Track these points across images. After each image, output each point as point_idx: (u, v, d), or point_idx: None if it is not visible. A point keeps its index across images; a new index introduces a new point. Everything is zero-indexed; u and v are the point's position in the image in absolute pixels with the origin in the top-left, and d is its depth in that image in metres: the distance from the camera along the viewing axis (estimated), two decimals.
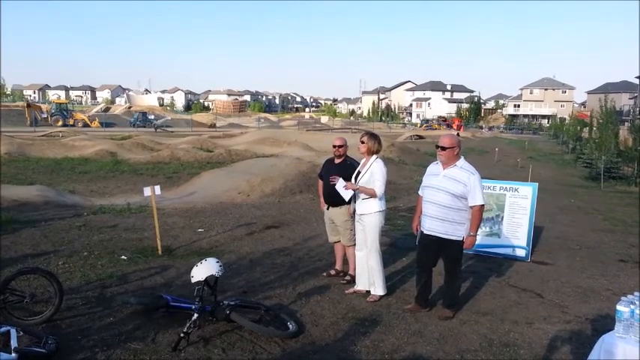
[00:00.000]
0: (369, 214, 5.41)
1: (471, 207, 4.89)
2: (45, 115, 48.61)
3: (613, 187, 22.02)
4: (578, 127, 46.95)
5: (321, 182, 6.25)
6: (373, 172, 5.38)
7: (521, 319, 5.11)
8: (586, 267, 7.27)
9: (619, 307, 2.98)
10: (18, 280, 4.85)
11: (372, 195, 5.34)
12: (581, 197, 16.76)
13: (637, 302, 2.97)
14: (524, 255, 7.50)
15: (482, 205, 4.91)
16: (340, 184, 5.49)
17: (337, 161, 6.02)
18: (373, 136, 5.61)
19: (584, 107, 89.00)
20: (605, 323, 4.82)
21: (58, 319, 4.59)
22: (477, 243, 7.51)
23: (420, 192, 5.32)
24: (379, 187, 5.34)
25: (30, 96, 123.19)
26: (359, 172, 5.48)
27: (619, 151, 26.76)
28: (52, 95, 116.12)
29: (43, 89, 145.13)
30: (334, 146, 6.04)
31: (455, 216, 4.92)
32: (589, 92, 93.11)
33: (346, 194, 5.50)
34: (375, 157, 5.49)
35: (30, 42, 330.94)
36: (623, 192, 20.18)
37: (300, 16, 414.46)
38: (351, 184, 5.41)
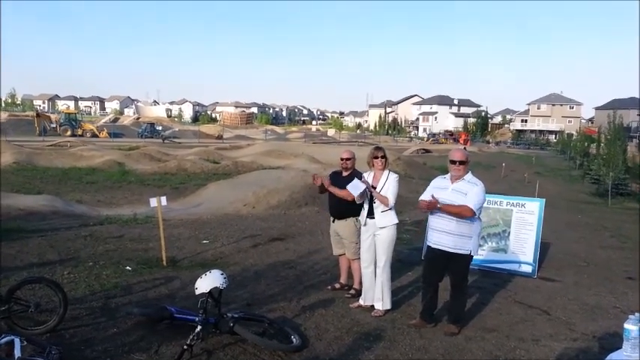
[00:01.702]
0: (388, 226, 5.39)
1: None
2: (54, 125, 49.08)
3: (621, 203, 21.86)
4: (586, 143, 46.71)
5: (332, 189, 5.92)
6: (390, 186, 5.36)
7: (527, 336, 5.06)
8: (593, 284, 7.20)
9: (627, 326, 2.93)
10: (23, 289, 4.86)
11: (385, 203, 5.32)
12: (588, 213, 16.65)
13: None
14: (530, 271, 7.44)
15: (472, 210, 4.79)
16: (356, 181, 5.39)
17: (345, 174, 6.00)
18: (385, 151, 5.62)
19: (592, 123, 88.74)
20: (612, 341, 4.75)
21: (62, 329, 4.59)
22: (483, 258, 7.55)
23: (422, 198, 5.12)
24: (392, 197, 5.34)
25: (40, 106, 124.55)
26: (373, 187, 5.44)
27: (627, 168, 26.59)
28: (62, 105, 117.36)
29: (53, 99, 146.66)
30: (342, 159, 6.03)
31: (463, 229, 4.89)
32: (597, 108, 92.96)
33: (357, 189, 5.35)
34: (388, 171, 5.48)
35: (40, 53, 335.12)
36: (631, 209, 20.00)
37: (307, 29, 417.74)
38: (366, 183, 5.34)
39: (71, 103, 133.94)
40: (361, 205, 5.54)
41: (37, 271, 6.39)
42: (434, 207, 4.84)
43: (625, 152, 27.74)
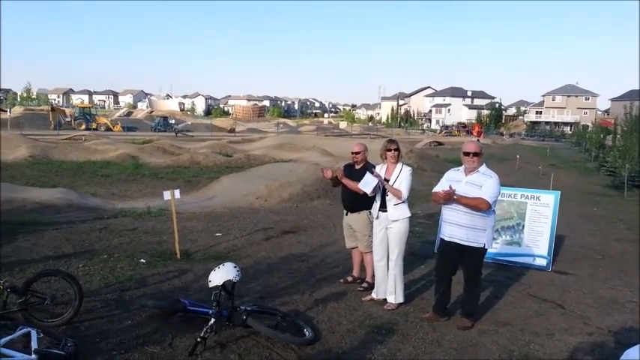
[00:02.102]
0: (401, 220, 5.36)
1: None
2: (68, 119, 49.50)
3: (637, 196, 21.54)
4: (602, 135, 46.09)
5: (346, 181, 5.90)
6: (403, 179, 5.33)
7: (541, 330, 5.02)
8: (609, 277, 7.11)
9: None
10: (39, 282, 4.91)
11: (398, 197, 5.29)
12: (604, 206, 16.43)
13: None
14: (545, 264, 7.37)
15: (488, 202, 4.74)
16: (367, 176, 5.34)
17: (357, 167, 5.98)
18: (398, 144, 5.58)
19: (608, 114, 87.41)
20: (629, 336, 4.71)
21: (78, 321, 4.64)
22: (497, 251, 7.49)
23: (435, 189, 5.08)
24: (405, 190, 5.30)
25: (54, 100, 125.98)
26: (386, 180, 5.40)
27: None
28: (76, 99, 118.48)
29: (67, 93, 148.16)
30: (352, 153, 6.01)
31: (477, 222, 4.84)
32: (613, 99, 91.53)
33: (369, 184, 5.31)
34: (401, 164, 5.45)
35: (55, 48, 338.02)
36: None
37: (319, 22, 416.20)
38: (378, 176, 5.29)
39: (85, 97, 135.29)
40: (374, 198, 5.51)
41: (53, 263, 6.47)
42: (450, 198, 4.79)
43: None
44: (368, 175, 5.37)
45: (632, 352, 2.92)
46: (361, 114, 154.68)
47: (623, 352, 3.00)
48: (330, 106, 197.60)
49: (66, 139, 33.90)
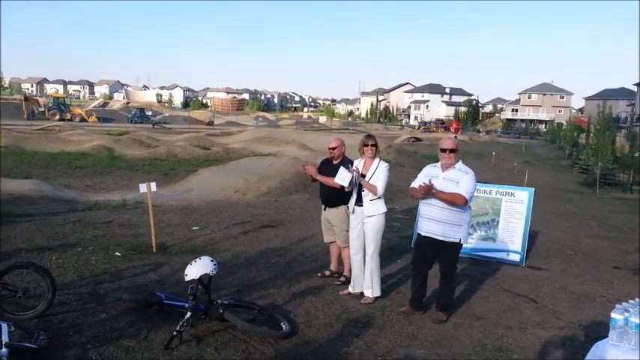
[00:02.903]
0: (377, 215, 5.39)
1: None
2: (42, 109, 48.46)
3: (608, 193, 22.08)
4: (575, 133, 47.05)
5: (321, 178, 5.95)
6: (379, 175, 5.35)
7: (514, 324, 5.12)
8: (580, 273, 7.28)
9: (613, 315, 2.98)
10: (11, 274, 4.81)
11: (374, 192, 5.32)
12: (576, 203, 16.80)
13: (631, 310, 2.96)
14: (518, 260, 7.51)
15: (465, 198, 4.82)
16: (342, 171, 5.37)
17: (335, 162, 5.99)
18: (377, 139, 5.60)
19: (582, 113, 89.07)
20: (598, 330, 4.82)
21: (51, 314, 4.56)
22: (472, 247, 7.60)
23: (413, 185, 5.15)
24: (381, 186, 5.33)
25: (28, 89, 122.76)
26: (362, 175, 5.42)
27: (615, 158, 26.86)
28: (50, 89, 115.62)
29: (41, 83, 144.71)
30: (330, 148, 6.03)
31: (453, 218, 4.91)
32: (587, 98, 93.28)
33: (344, 179, 5.33)
34: (378, 160, 5.47)
35: (29, 35, 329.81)
36: (618, 199, 20.23)
37: (299, 16, 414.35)
38: (355, 171, 5.29)
39: (60, 87, 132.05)
40: (351, 193, 5.53)
41: (25, 256, 6.35)
42: (429, 192, 4.83)
43: (614, 142, 28.03)
44: (342, 169, 5.39)
45: (601, 344, 3.01)
46: (341, 109, 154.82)
47: (592, 345, 3.09)
48: (310, 100, 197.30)
49: (39, 129, 33.17)
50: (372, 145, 5.43)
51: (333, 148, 5.98)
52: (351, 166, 5.43)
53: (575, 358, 4.29)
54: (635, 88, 74.37)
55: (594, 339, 3.53)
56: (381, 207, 5.41)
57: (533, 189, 8.04)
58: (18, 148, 22.30)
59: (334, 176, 5.52)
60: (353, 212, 5.53)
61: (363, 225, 5.45)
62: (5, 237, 7.19)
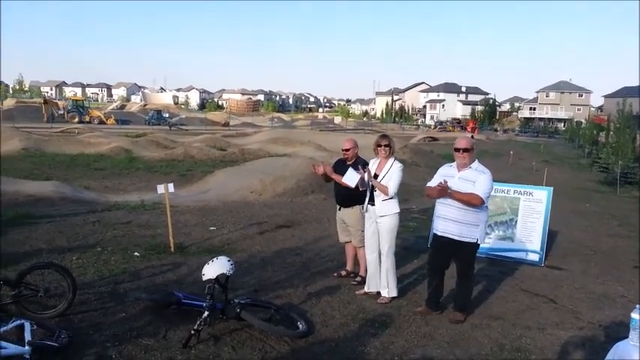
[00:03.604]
0: (389, 215, 5.38)
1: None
2: (61, 112, 49.11)
3: (629, 192, 21.68)
4: (595, 131, 46.35)
5: (335, 176, 5.96)
6: (392, 175, 5.35)
7: (533, 325, 5.06)
8: (600, 273, 7.18)
9: (634, 315, 2.92)
10: (32, 274, 4.90)
11: (385, 193, 5.31)
12: (596, 202, 16.55)
13: None
14: (537, 259, 7.43)
15: (481, 198, 4.80)
16: (351, 171, 5.45)
17: (348, 163, 5.99)
18: (391, 139, 5.60)
19: (601, 111, 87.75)
20: (619, 330, 4.75)
21: (71, 313, 4.64)
22: (489, 246, 7.54)
23: (429, 184, 5.15)
24: (393, 187, 5.31)
25: (47, 92, 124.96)
26: (375, 175, 5.43)
27: (636, 156, 26.36)
28: (69, 92, 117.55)
29: (60, 86, 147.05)
30: (343, 150, 6.03)
31: (470, 218, 4.88)
32: (606, 96, 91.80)
33: (352, 180, 5.40)
34: (393, 159, 5.46)
35: (48, 40, 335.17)
36: (639, 197, 19.87)
37: (314, 17, 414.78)
38: (365, 172, 5.30)
39: (78, 90, 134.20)
40: (366, 193, 5.53)
41: (46, 256, 6.46)
42: (445, 192, 4.82)
43: (634, 140, 27.44)
44: (351, 170, 5.46)
45: (621, 345, 2.96)
46: (356, 109, 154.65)
47: (612, 346, 3.04)
48: (325, 100, 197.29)
49: (59, 131, 33.67)
50: (385, 146, 5.43)
51: (347, 150, 5.99)
52: (364, 167, 5.43)
53: (595, 358, 4.23)
54: None
55: (614, 339, 3.48)
56: (393, 207, 5.39)
57: (552, 188, 7.94)
58: (38, 150, 22.66)
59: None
60: (366, 211, 5.54)
61: (377, 224, 5.45)
62: (26, 238, 7.33)
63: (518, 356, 4.36)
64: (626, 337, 2.99)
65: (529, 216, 7.67)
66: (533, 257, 7.46)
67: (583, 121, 65.48)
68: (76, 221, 8.66)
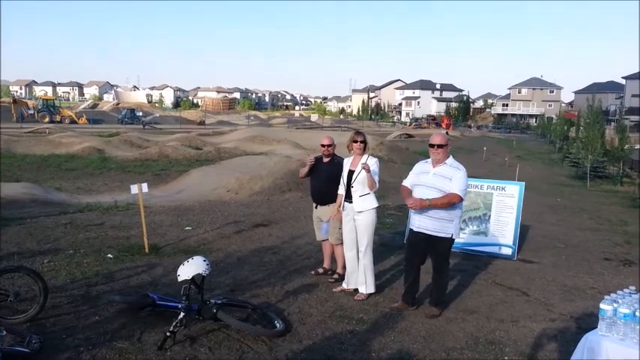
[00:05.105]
0: (367, 210, 5.40)
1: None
2: (31, 112, 48.03)
3: (599, 186, 22.27)
4: (565, 127, 47.38)
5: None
6: (372, 168, 5.35)
7: (506, 318, 5.15)
8: (571, 265, 7.35)
9: (602, 306, 3.01)
10: (2, 278, 4.81)
11: (371, 186, 5.32)
12: (567, 196, 16.93)
13: (620, 300, 3.00)
14: (510, 253, 7.56)
15: (459, 196, 4.86)
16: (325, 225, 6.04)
17: (325, 160, 6.02)
18: (365, 136, 5.63)
19: (572, 107, 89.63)
20: (589, 321, 4.87)
21: (43, 317, 4.54)
22: (464, 241, 7.64)
23: (404, 183, 5.24)
24: (377, 180, 5.36)
25: (16, 92, 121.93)
26: (351, 171, 5.45)
27: (605, 151, 27.07)
28: (39, 91, 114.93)
29: (30, 85, 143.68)
30: (322, 145, 6.03)
31: (444, 213, 4.93)
32: (576, 92, 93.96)
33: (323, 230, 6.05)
34: (367, 156, 5.49)
35: (17, 37, 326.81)
36: (608, 191, 20.42)
37: (289, 14, 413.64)
38: (367, 166, 5.27)
39: (49, 89, 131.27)
40: None
41: (17, 260, 6.31)
42: (424, 205, 4.85)
43: (603, 135, 28.20)
44: (325, 224, 5.96)
45: (590, 335, 3.04)
46: (332, 106, 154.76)
47: (583, 337, 3.12)
48: (301, 98, 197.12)
49: (29, 132, 32.86)
50: (360, 142, 5.46)
51: (329, 145, 6.00)
52: (364, 164, 5.37)
53: (567, 349, 4.32)
54: (623, 81, 75.04)
55: (585, 330, 3.57)
56: (371, 202, 5.42)
57: (524, 183, 8.09)
58: (8, 151, 22.09)
59: (323, 174, 5.90)
60: (343, 209, 5.55)
61: (355, 221, 5.47)
62: None
63: (493, 349, 4.43)
64: (596, 327, 3.07)
65: (502, 211, 7.79)
66: (507, 251, 7.59)
67: (554, 116, 66.89)
68: (48, 223, 8.48)
